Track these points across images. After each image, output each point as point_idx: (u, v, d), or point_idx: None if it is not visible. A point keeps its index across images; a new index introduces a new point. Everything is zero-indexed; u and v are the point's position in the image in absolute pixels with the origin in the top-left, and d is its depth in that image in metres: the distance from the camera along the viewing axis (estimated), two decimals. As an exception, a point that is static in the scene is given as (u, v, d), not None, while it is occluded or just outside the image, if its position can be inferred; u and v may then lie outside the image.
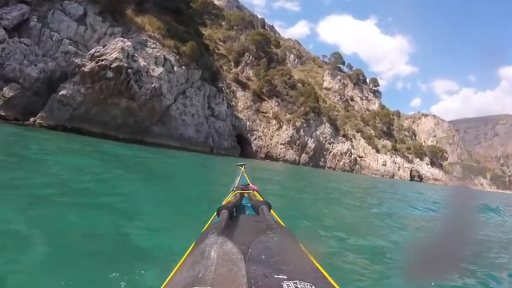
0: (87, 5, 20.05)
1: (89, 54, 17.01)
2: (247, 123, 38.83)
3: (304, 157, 44.21)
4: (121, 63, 17.35)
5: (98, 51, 17.00)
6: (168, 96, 22.48)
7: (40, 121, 14.67)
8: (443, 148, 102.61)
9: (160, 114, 21.98)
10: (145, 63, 19.95)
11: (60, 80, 16.26)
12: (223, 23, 57.27)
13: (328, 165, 50.26)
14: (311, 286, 0.52)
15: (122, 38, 18.50)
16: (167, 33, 23.46)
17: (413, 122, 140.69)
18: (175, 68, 23.47)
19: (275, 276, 0.54)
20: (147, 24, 23.00)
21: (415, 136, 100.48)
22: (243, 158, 27.57)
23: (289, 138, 42.26)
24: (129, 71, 18.04)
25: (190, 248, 0.82)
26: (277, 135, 42.20)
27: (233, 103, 37.98)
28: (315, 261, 0.69)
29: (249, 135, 38.56)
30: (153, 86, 19.84)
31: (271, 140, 41.55)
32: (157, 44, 22.38)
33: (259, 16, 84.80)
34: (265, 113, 43.01)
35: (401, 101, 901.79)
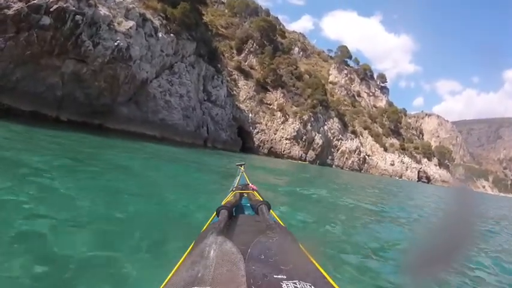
0: None
1: (20, -8, 12.05)
2: (250, 114, 35.00)
3: (311, 154, 40.49)
4: (65, 5, 12.36)
5: (33, -13, 12.07)
6: (145, 67, 17.01)
7: None
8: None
9: (133, 89, 16.55)
10: (109, 13, 14.74)
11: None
12: (226, 10, 53.44)
13: (336, 163, 46.61)
14: (310, 286, 0.52)
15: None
16: (153, -5, 18.40)
17: (416, 122, 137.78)
18: (160, 34, 18.05)
19: (274, 276, 0.54)
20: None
21: (422, 135, 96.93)
22: (243, 154, 23.87)
23: (295, 133, 38.51)
24: (78, 18, 12.90)
25: (190, 247, 0.81)
26: (282, 129, 38.42)
27: (234, 92, 34.11)
28: (314, 261, 0.69)
29: (251, 128, 34.74)
30: (116, 44, 14.62)
31: (275, 134, 37.77)
32: (134, -2, 16.91)
33: (263, 8, 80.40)
34: (270, 104, 39.20)
35: (404, 99, 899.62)
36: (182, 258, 0.74)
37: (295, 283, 0.51)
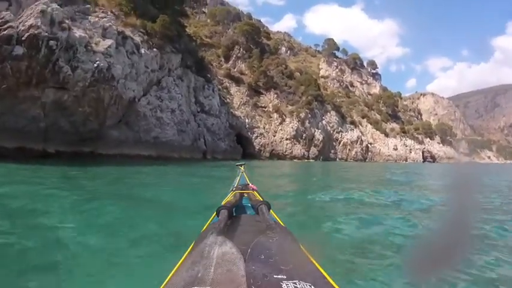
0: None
1: (-10, 24, 11.66)
2: (246, 120, 34.48)
3: (313, 151, 39.92)
4: (37, 32, 11.83)
5: (2, 18, 11.66)
6: (131, 86, 16.36)
7: None
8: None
9: (121, 110, 15.91)
10: (85, 34, 14.12)
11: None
12: (208, 20, 53.18)
13: (339, 156, 46.05)
14: (310, 286, 0.52)
15: (45, 0, 13.10)
16: (132, 12, 17.91)
17: (412, 103, 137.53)
18: (143, 50, 17.48)
19: (274, 276, 0.54)
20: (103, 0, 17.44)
21: (421, 116, 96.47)
22: (245, 161, 23.20)
23: (295, 132, 37.99)
24: (52, 43, 12.32)
25: (190, 247, 0.81)
26: (281, 130, 37.91)
27: (228, 100, 33.61)
28: (314, 262, 0.69)
29: (249, 133, 34.18)
30: (95, 65, 13.97)
31: (274, 136, 37.25)
32: (109, 13, 16.39)
33: (245, 12, 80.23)
34: (265, 107, 38.76)
35: (397, 83, 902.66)
36: (182, 258, 0.73)
37: (295, 283, 0.51)
